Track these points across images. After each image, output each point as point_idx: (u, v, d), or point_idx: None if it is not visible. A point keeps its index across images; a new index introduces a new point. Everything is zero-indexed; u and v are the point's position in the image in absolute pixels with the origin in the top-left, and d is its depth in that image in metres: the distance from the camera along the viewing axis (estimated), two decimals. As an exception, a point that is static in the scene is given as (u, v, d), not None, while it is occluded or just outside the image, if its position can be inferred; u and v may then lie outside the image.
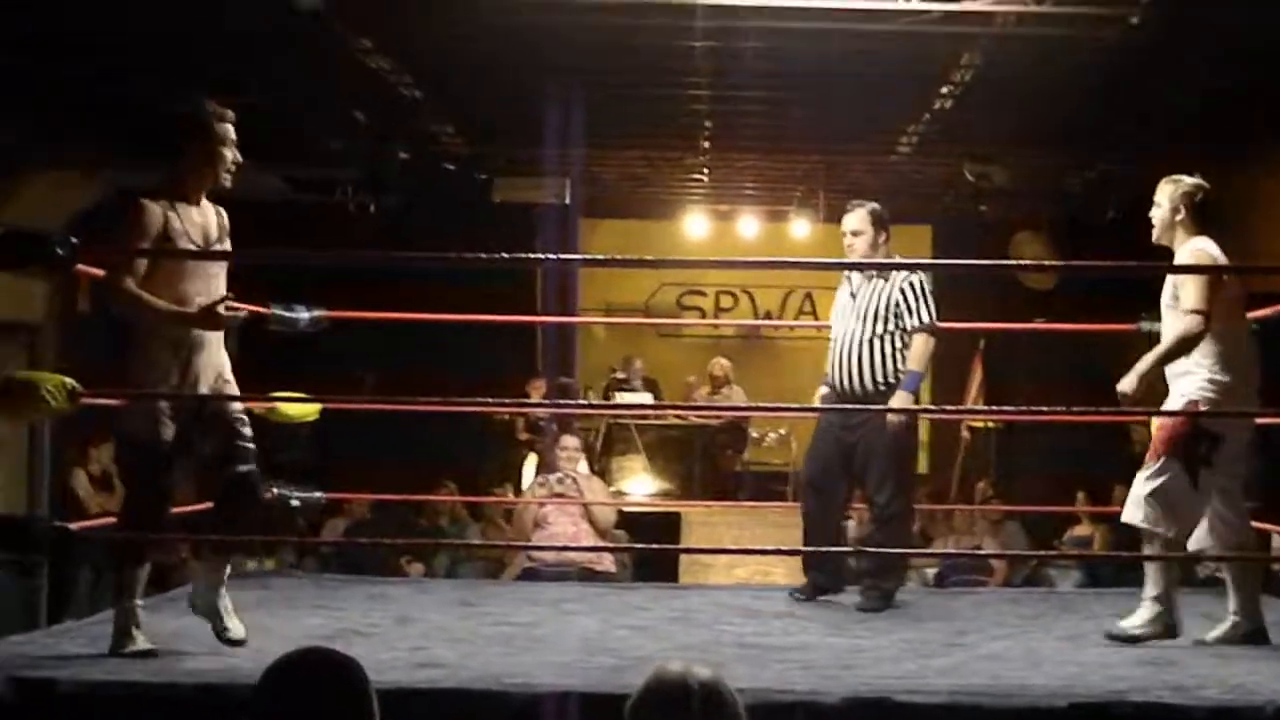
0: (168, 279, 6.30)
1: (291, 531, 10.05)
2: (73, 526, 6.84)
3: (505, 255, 7.21)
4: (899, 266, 7.75)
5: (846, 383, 8.34)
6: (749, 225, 18.35)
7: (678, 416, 15.94)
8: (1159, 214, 7.62)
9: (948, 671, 6.22)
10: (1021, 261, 16.81)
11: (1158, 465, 7.07)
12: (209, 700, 5.46)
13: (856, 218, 8.50)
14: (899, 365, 8.33)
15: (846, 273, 8.74)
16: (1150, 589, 7.07)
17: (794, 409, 8.39)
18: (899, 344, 8.34)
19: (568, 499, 10.55)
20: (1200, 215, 7.59)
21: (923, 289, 8.40)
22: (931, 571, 12.33)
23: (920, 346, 8.35)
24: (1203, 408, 7.01)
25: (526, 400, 15.44)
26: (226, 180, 6.53)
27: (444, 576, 12.65)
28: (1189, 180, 7.68)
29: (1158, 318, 7.89)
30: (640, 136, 15.49)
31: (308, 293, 8.48)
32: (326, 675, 3.26)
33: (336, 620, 7.39)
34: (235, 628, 6.37)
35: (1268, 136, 14.09)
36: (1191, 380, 7.12)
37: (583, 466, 13.20)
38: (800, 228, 17.72)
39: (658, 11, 10.85)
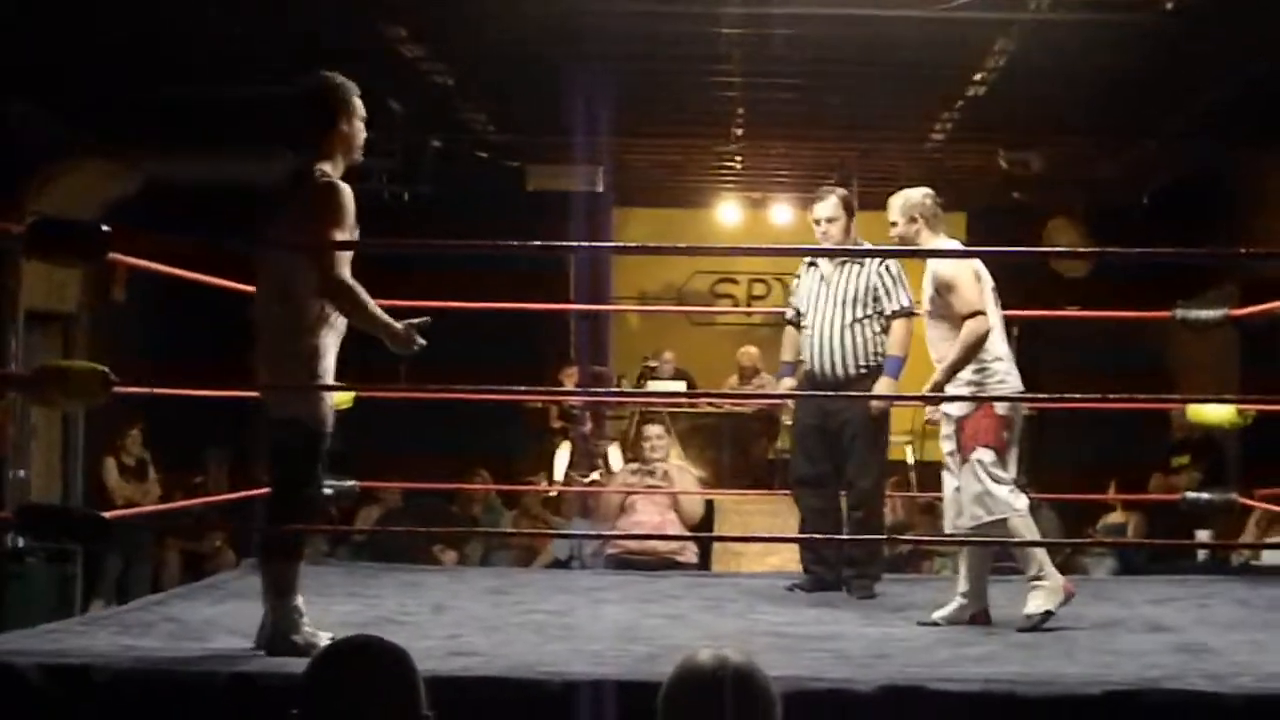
0: (344, 267, 6.06)
1: (325, 520, 10.06)
2: (107, 516, 6.83)
3: (538, 243, 7.22)
4: (924, 253, 7.68)
5: (828, 369, 8.37)
6: (781, 213, 18.33)
7: (711, 405, 15.91)
8: (898, 231, 7.60)
9: (981, 660, 6.21)
10: (1053, 248, 16.72)
11: (990, 459, 7.29)
12: (244, 689, 5.47)
13: (829, 205, 8.51)
14: (878, 349, 8.40)
15: (810, 259, 8.73)
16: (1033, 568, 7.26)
17: (825, 395, 8.32)
18: (877, 328, 8.41)
19: (654, 489, 10.44)
20: (935, 218, 7.62)
21: (899, 273, 8.46)
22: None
23: (901, 332, 8.43)
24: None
25: (560, 388, 15.44)
26: (359, 158, 6.35)
27: (478, 564, 12.66)
28: (916, 191, 7.67)
29: (1194, 305, 7.89)
30: (672, 124, 15.49)
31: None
32: (378, 663, 3.25)
33: (370, 608, 7.41)
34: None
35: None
36: (989, 373, 7.43)
37: (614, 456, 13.19)
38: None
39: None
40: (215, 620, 6.85)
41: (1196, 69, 12.17)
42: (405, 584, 8.43)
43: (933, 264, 7.52)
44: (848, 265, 8.44)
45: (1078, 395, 8.30)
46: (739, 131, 15.37)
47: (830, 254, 8.54)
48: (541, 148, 15.75)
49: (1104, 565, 12.23)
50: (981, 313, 7.35)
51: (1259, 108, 13.11)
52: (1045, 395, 7.69)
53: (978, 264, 7.56)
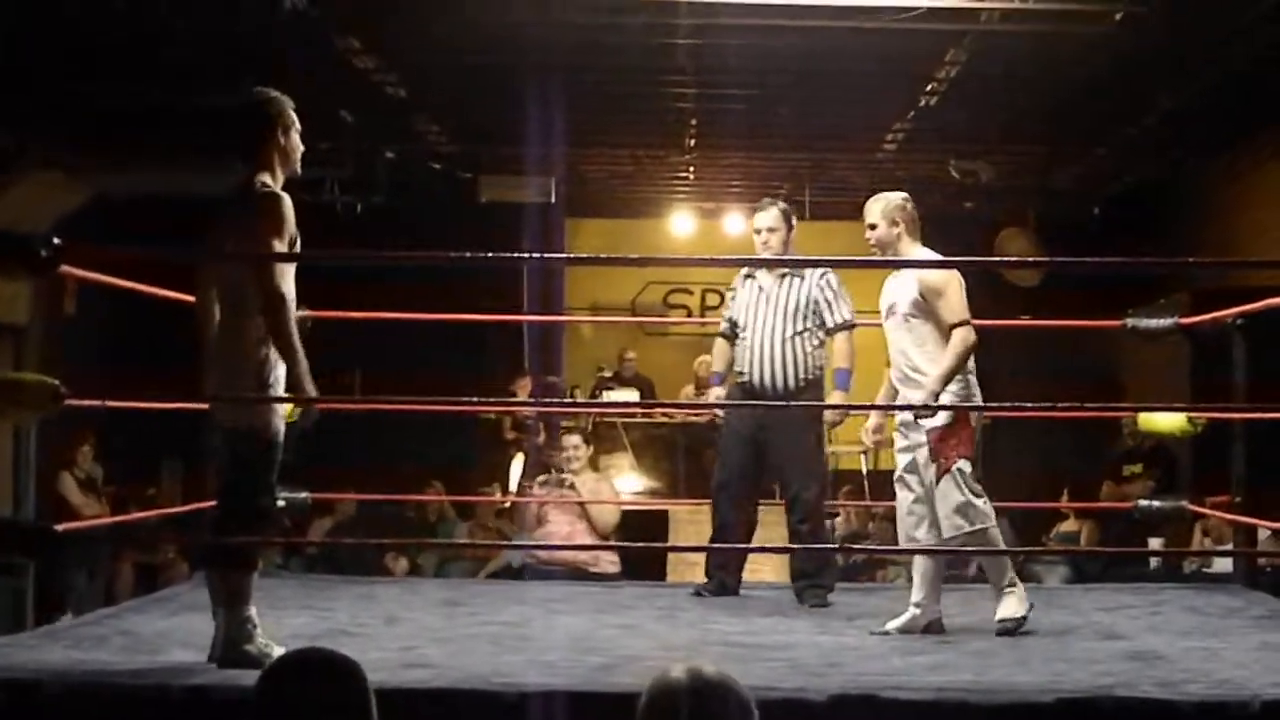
0: (284, 277, 6.04)
1: (279, 532, 10.03)
2: (59, 528, 6.80)
3: (491, 254, 7.22)
4: (894, 264, 7.66)
5: (768, 381, 8.36)
6: (735, 223, 18.35)
7: (665, 415, 15.93)
8: (877, 234, 7.56)
9: (934, 669, 6.22)
10: (1004, 258, 16.78)
11: (970, 470, 7.31)
12: (198, 701, 5.45)
13: (770, 216, 8.50)
14: (818, 362, 8.44)
15: (748, 271, 8.72)
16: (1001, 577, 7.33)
17: (778, 405, 8.32)
18: (816, 341, 8.43)
19: (567, 498, 10.48)
20: (913, 223, 7.60)
21: (840, 286, 8.48)
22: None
23: (846, 345, 8.49)
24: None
25: (513, 399, 15.44)
26: (299, 170, 6.33)
27: (432, 576, 12.64)
28: (896, 195, 7.65)
29: (1144, 314, 7.93)
30: (625, 135, 15.52)
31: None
32: (330, 676, 3.24)
33: (324, 620, 7.38)
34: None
35: (1250, 132, 14.14)
36: (970, 384, 7.47)
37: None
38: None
39: (642, 10, 10.87)
40: (168, 633, 6.81)
41: (1146, 79, 12.25)
42: (359, 596, 8.41)
43: (918, 270, 7.45)
44: (788, 278, 8.43)
45: (1029, 404, 8.32)
46: (692, 142, 15.40)
47: (786, 264, 8.52)
48: (494, 159, 15.76)
49: (1057, 573, 12.29)
50: (969, 321, 7.36)
51: (1208, 117, 13.20)
52: (997, 404, 7.67)
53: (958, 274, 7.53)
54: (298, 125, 6.27)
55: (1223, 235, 16.00)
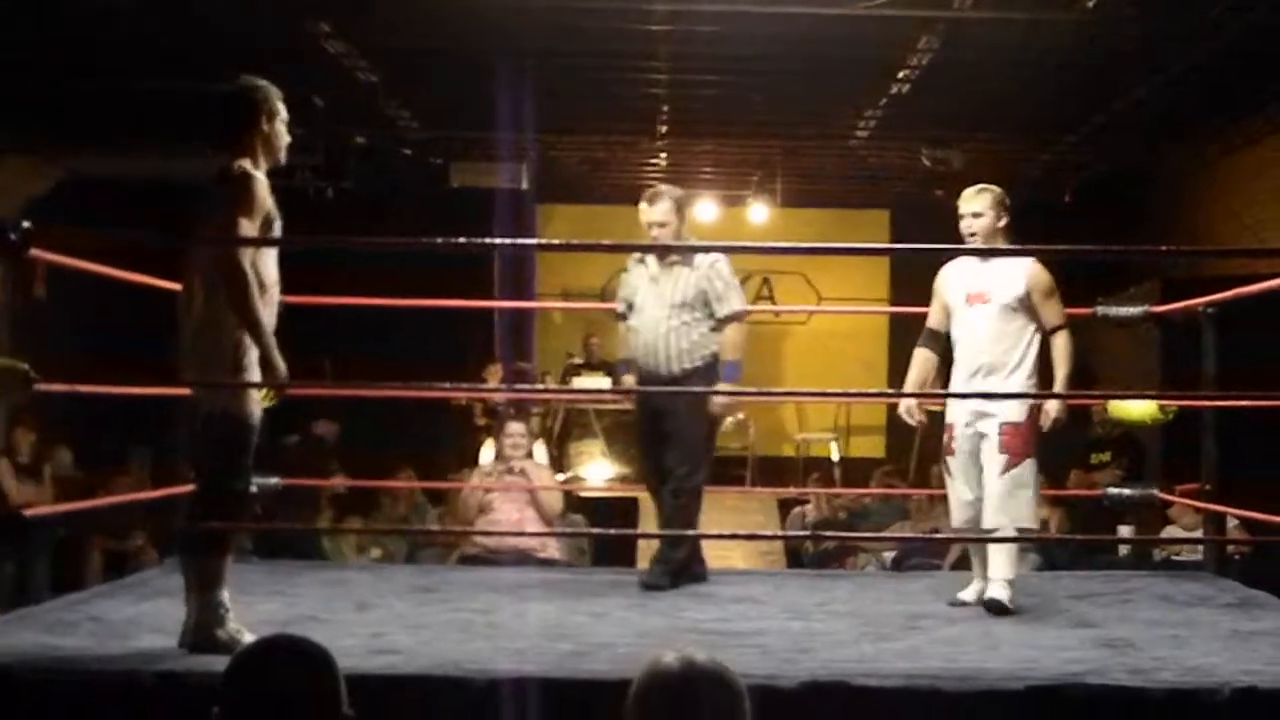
0: (260, 259, 6.07)
1: (250, 517, 10.00)
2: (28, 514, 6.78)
3: (462, 240, 7.19)
4: (866, 251, 7.67)
5: (654, 366, 8.29)
6: (706, 209, 18.35)
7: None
8: (982, 223, 7.71)
9: (905, 655, 6.23)
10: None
11: (1027, 466, 7.48)
12: (168, 688, 5.44)
13: (660, 210, 8.37)
14: (705, 350, 8.27)
15: (639, 255, 8.64)
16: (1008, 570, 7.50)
17: (751, 393, 8.32)
18: (705, 329, 8.27)
19: (512, 486, 10.48)
20: (1011, 219, 7.78)
21: (731, 276, 8.35)
22: (889, 555, 12.34)
23: (735, 336, 8.31)
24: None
25: (485, 385, 15.42)
26: (283, 159, 6.34)
27: (403, 562, 12.61)
28: (997, 188, 7.86)
29: (1114, 302, 7.97)
30: (597, 121, 15.51)
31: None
32: (299, 662, 3.24)
33: (292, 607, 7.36)
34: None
35: (1221, 120, 14.17)
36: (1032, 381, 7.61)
37: (539, 453, 13.16)
38: (758, 212, 17.78)
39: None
40: (138, 619, 6.79)
41: (1118, 67, 12.27)
42: (328, 582, 8.38)
43: (1029, 265, 7.62)
44: (677, 267, 8.28)
45: (998, 393, 8.32)
46: (664, 128, 15.40)
47: (767, 251, 8.50)
48: (466, 144, 15.75)
49: (1026, 561, 12.30)
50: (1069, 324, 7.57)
51: (1180, 105, 13.22)
52: (961, 393, 7.66)
53: None
54: (284, 115, 6.27)
55: (1194, 223, 16.05)
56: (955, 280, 7.75)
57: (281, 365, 6.02)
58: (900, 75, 12.81)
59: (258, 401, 6.14)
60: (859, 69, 12.67)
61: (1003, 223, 7.70)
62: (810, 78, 13.01)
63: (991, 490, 7.45)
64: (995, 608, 7.31)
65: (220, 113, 6.28)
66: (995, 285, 7.59)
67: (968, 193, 7.85)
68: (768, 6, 10.86)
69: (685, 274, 8.27)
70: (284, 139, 6.28)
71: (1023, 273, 7.56)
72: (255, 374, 6.06)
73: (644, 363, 8.35)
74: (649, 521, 12.57)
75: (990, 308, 7.57)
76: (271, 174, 6.20)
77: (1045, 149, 15.84)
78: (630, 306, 8.54)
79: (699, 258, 8.31)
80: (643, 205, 8.46)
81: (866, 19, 10.67)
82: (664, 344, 8.25)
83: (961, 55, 11.89)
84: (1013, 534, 7.45)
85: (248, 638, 5.65)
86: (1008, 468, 7.41)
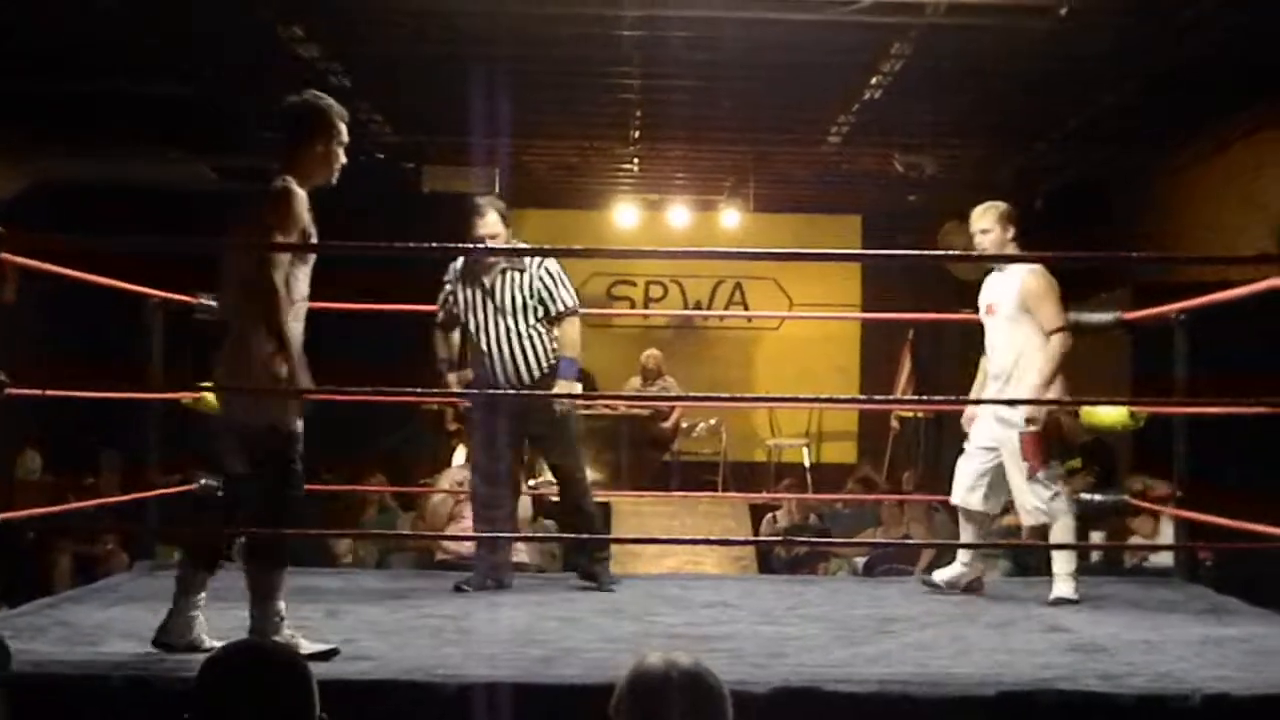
0: (293, 273, 6.10)
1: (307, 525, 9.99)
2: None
3: (434, 245, 7.18)
4: (838, 257, 7.70)
5: (514, 375, 8.33)
6: (679, 215, 18.37)
7: (608, 406, 15.91)
8: (991, 238, 8.15)
9: (876, 660, 6.23)
10: (947, 251, 16.83)
11: (1048, 470, 8.01)
12: (139, 693, 5.42)
13: (489, 222, 8.36)
14: (554, 348, 8.45)
15: (457, 270, 8.58)
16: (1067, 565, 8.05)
17: (724, 398, 8.34)
18: (546, 327, 8.42)
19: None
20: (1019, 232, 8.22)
21: (560, 273, 8.46)
22: (861, 560, 12.36)
23: (570, 332, 8.48)
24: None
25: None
26: (332, 180, 6.37)
27: (374, 567, 12.58)
28: (1002, 203, 8.33)
29: (1085, 309, 8.11)
30: (570, 126, 15.50)
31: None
32: (272, 667, 3.24)
33: (265, 612, 7.34)
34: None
35: (1192, 127, 14.20)
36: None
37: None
38: (730, 217, 17.78)
39: (588, 1, 10.86)
40: (108, 624, 6.77)
41: (1089, 74, 12.29)
42: (300, 588, 8.33)
43: (1023, 273, 7.98)
44: (509, 272, 8.35)
45: (971, 398, 8.35)
46: (636, 134, 15.39)
47: (740, 257, 8.53)
48: (438, 149, 15.72)
49: (999, 566, 12.32)
50: (1067, 328, 7.94)
51: (1151, 111, 13.25)
52: (941, 398, 7.74)
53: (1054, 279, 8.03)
54: (344, 137, 6.35)
55: (1165, 229, 16.08)
56: (982, 293, 8.32)
57: (306, 379, 6.04)
58: (873, 81, 12.82)
59: (299, 410, 6.14)
60: (831, 75, 12.68)
61: (1010, 234, 8.13)
62: (782, 83, 13.01)
63: (1022, 500, 8.07)
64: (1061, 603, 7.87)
65: (283, 127, 6.32)
66: (1001, 296, 8.08)
67: (975, 211, 8.29)
68: (740, 12, 10.86)
69: (519, 278, 8.39)
70: (339, 160, 6.32)
71: (1018, 281, 7.97)
72: (294, 382, 6.06)
73: (499, 374, 8.40)
74: (622, 526, 12.60)
75: (998, 319, 8.09)
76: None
77: (1017, 155, 15.85)
78: (454, 318, 8.60)
79: (526, 259, 8.47)
80: (475, 219, 8.43)
81: (839, 25, 10.68)
82: (519, 350, 8.37)
83: (934, 62, 11.91)
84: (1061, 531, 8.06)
85: (304, 645, 5.78)
86: (1029, 473, 7.93)
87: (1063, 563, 8.02)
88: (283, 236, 5.97)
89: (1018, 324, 7.98)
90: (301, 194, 6.10)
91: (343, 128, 6.34)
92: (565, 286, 8.45)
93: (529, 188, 18.22)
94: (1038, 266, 8.02)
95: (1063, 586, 7.95)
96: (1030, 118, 14.17)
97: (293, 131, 6.32)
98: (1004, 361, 8.06)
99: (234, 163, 14.24)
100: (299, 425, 6.13)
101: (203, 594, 6.18)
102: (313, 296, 7.49)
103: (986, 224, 8.16)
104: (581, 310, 8.73)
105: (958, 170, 16.07)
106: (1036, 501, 7.97)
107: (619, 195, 18.80)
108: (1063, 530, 8.07)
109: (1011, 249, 8.13)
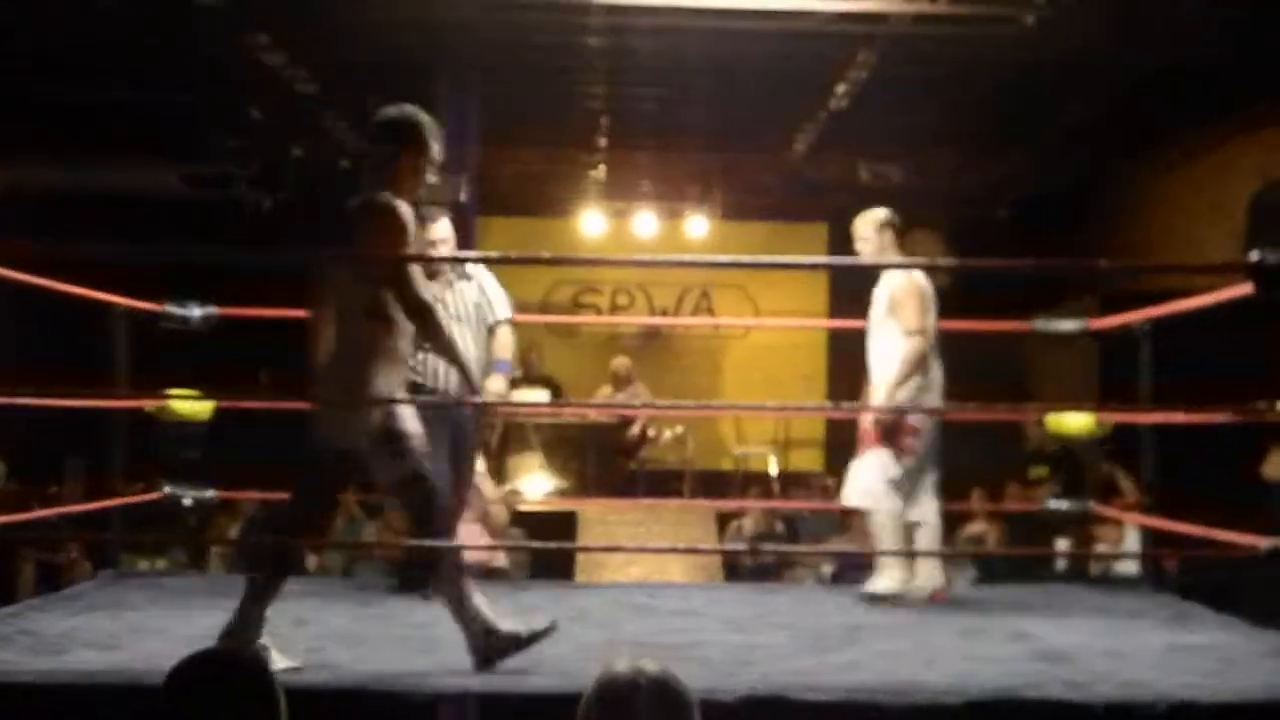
0: (422, 283, 6.10)
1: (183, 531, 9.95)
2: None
3: (405, 254, 7.17)
4: (804, 266, 7.74)
5: (458, 384, 8.34)
6: (646, 223, 18.34)
7: (575, 415, 15.89)
8: (869, 247, 8.22)
9: (844, 668, 6.23)
10: (913, 259, 16.86)
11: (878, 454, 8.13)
12: (103, 701, 5.40)
13: (444, 226, 8.50)
14: (495, 358, 8.57)
15: None
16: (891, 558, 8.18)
17: (690, 406, 8.38)
18: (487, 338, 8.58)
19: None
20: (898, 238, 8.29)
21: (495, 282, 8.66)
22: (828, 569, 12.37)
23: (507, 337, 8.63)
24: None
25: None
26: (422, 195, 6.33)
27: (341, 576, 12.55)
28: (882, 211, 8.32)
29: (1053, 317, 8.17)
30: (537, 133, 15.50)
31: (201, 290, 8.43)
32: (237, 675, 3.23)
33: (231, 620, 7.32)
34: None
35: (1159, 137, 14.24)
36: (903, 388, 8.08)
37: (479, 466, 13.13)
38: (697, 226, 17.78)
39: (554, 9, 10.86)
40: (71, 633, 6.75)
41: (1057, 84, 12.33)
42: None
43: (892, 279, 8.09)
44: (458, 283, 8.49)
45: (938, 407, 8.36)
46: (603, 141, 15.39)
47: (706, 265, 8.54)
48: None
49: (965, 574, 12.35)
50: (922, 332, 8.00)
51: (1119, 122, 13.29)
52: (905, 406, 7.77)
53: (925, 283, 8.15)
54: (434, 153, 6.30)
55: (1132, 239, 16.12)
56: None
57: (479, 384, 6.10)
58: (839, 90, 12.84)
59: (365, 436, 6.07)
60: (798, 83, 12.69)
61: (887, 241, 8.22)
62: (749, 92, 13.03)
63: (854, 481, 8.31)
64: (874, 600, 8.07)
65: (375, 140, 6.30)
66: (876, 302, 8.23)
67: (855, 221, 8.35)
68: (706, 21, 10.87)
69: (465, 287, 8.55)
70: (427, 175, 6.28)
71: (888, 288, 8.13)
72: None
73: (446, 384, 8.38)
74: (588, 534, 12.59)
75: (871, 324, 8.24)
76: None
77: (984, 164, 15.89)
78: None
79: (469, 268, 8.63)
80: (430, 226, 8.45)
81: (805, 33, 10.70)
82: (475, 359, 8.35)
83: (900, 70, 11.93)
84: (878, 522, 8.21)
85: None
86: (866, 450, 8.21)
87: (887, 554, 8.16)
88: (399, 252, 5.92)
89: (885, 328, 8.11)
90: (405, 207, 6.03)
91: (434, 143, 6.30)
92: (502, 296, 8.65)
93: (496, 195, 18.18)
94: (909, 272, 8.16)
95: (881, 580, 8.13)
96: (997, 127, 14.20)
97: (382, 145, 6.27)
98: (874, 365, 8.21)
99: (201, 170, 14.22)
100: (359, 448, 6.07)
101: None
102: (277, 304, 7.47)
103: (864, 233, 8.23)
104: (548, 318, 8.84)
105: (925, 179, 16.10)
106: (865, 484, 8.13)
107: (586, 203, 18.78)
108: (879, 522, 8.18)
109: (891, 256, 8.23)
